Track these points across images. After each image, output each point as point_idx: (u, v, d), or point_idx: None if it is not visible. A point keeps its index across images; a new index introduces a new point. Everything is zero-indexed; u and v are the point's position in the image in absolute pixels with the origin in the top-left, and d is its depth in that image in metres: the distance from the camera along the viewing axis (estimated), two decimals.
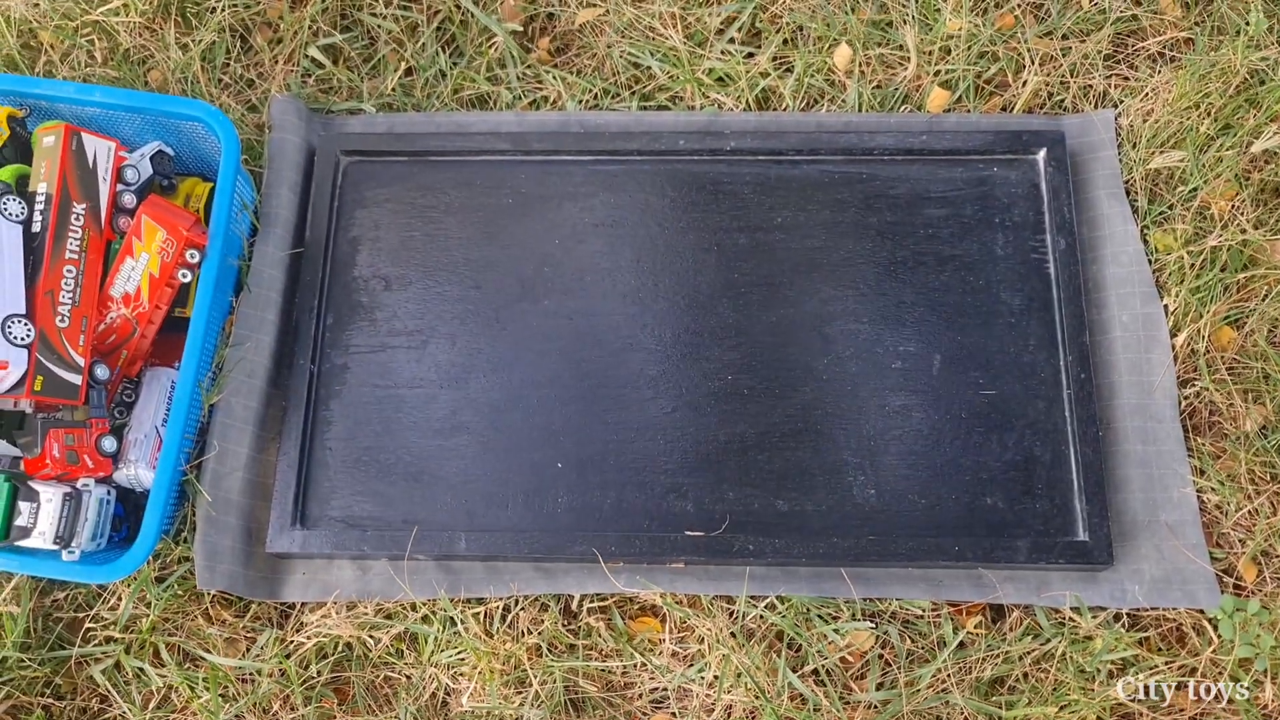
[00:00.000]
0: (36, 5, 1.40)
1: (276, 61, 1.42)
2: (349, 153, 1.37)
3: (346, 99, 1.42)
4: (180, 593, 1.19)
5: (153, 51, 1.38)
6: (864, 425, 1.23)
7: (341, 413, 1.26)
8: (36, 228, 1.12)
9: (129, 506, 1.21)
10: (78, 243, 1.13)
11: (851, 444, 1.22)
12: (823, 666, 1.14)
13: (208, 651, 1.18)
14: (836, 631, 1.15)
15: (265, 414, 1.26)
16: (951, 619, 1.15)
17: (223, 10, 1.37)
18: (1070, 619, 1.14)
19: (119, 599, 1.20)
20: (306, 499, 1.23)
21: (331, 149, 1.36)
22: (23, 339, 1.07)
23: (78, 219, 1.13)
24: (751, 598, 1.16)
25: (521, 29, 1.44)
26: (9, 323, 1.07)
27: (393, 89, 1.40)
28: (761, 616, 1.17)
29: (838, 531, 1.19)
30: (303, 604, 1.22)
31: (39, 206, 1.12)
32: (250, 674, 1.18)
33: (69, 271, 1.12)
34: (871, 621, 1.16)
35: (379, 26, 1.43)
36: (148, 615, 1.18)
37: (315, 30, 1.43)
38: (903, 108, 1.36)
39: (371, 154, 1.37)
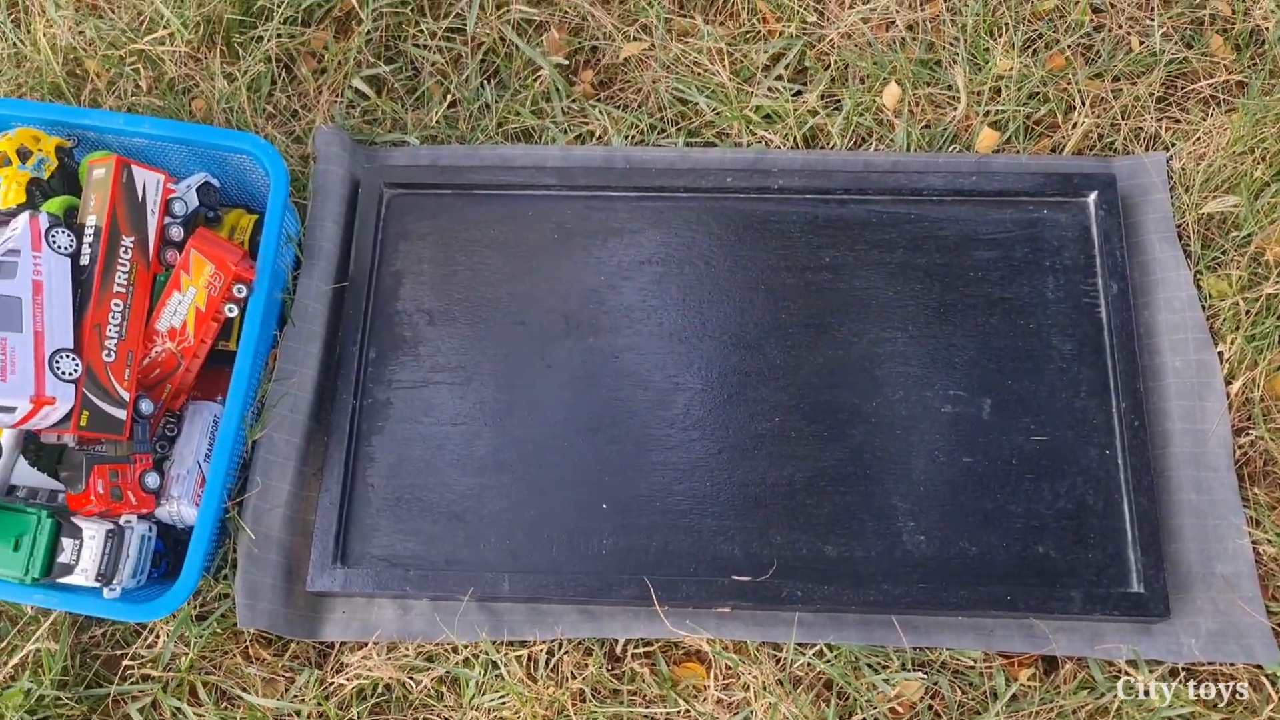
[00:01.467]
0: (82, 33, 1.39)
1: (320, 92, 1.41)
2: (393, 185, 1.36)
3: (390, 130, 1.41)
4: (219, 631, 1.18)
5: (198, 81, 1.37)
6: (913, 470, 1.21)
7: (384, 449, 1.25)
8: (85, 260, 1.11)
9: (168, 542, 1.20)
10: (126, 276, 1.12)
11: (901, 489, 1.21)
12: (872, 717, 1.12)
13: (246, 691, 1.16)
14: (887, 681, 1.13)
15: (307, 450, 1.25)
16: (1003, 670, 1.13)
17: (269, 40, 1.36)
18: (1126, 673, 1.12)
19: (157, 636, 1.18)
20: (348, 537, 1.22)
21: (375, 181, 1.35)
22: (70, 374, 1.06)
23: (126, 252, 1.12)
24: (799, 645, 1.14)
25: (566, 62, 1.43)
26: (57, 358, 1.05)
27: (437, 121, 1.39)
28: (809, 664, 1.15)
29: (887, 578, 1.17)
30: (342, 644, 1.19)
31: (88, 239, 1.11)
32: (288, 715, 1.16)
33: (116, 305, 1.11)
34: (921, 671, 1.14)
35: (423, 58, 1.43)
36: (186, 654, 1.16)
37: (359, 61, 1.42)
38: (951, 148, 1.34)
39: (415, 186, 1.36)
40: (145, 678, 1.18)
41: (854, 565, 1.18)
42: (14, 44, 1.38)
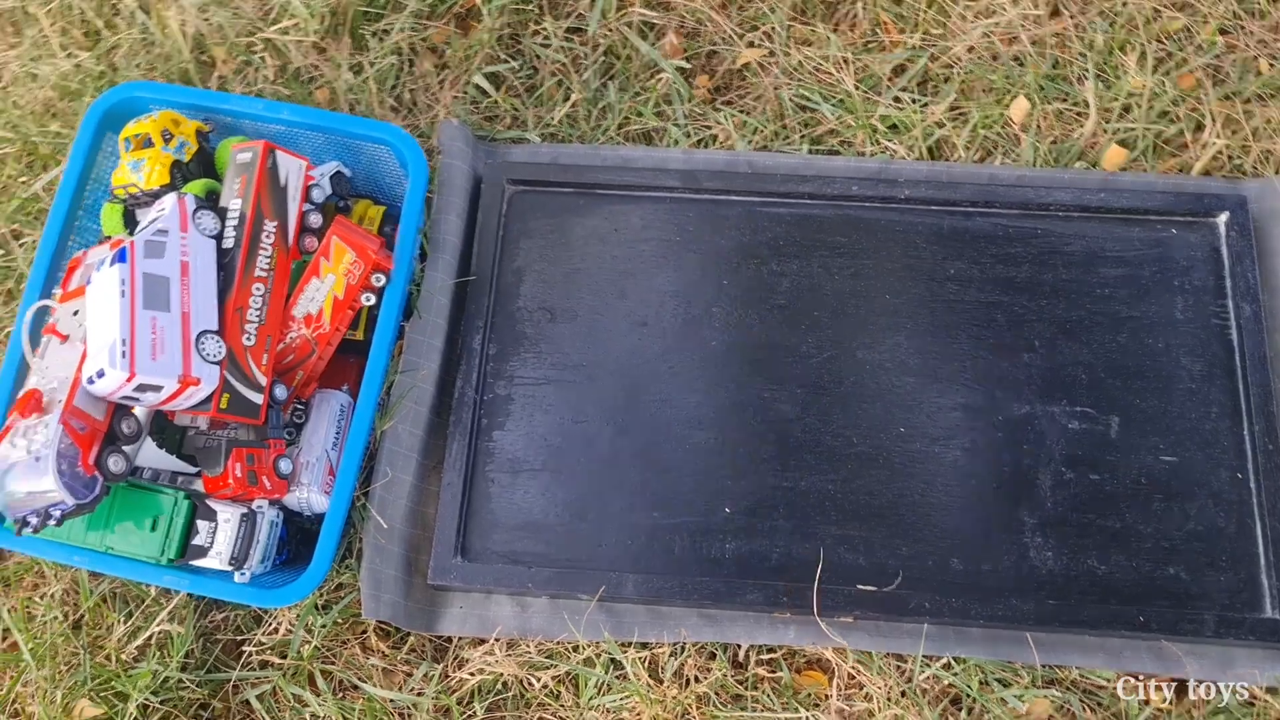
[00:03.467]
0: (208, 20, 1.39)
1: (442, 86, 1.41)
2: (515, 181, 1.36)
3: (509, 127, 1.41)
4: (339, 620, 1.17)
5: (323, 71, 1.37)
6: (1039, 485, 1.20)
7: (504, 445, 1.24)
8: (228, 243, 1.11)
9: (291, 529, 1.19)
10: (267, 260, 1.12)
11: (1027, 504, 1.20)
12: None
13: (365, 681, 1.16)
14: (1019, 698, 1.11)
15: (428, 443, 1.25)
16: (1134, 691, 1.12)
17: (396, 33, 1.37)
18: (1263, 700, 1.10)
19: (279, 623, 1.17)
20: (468, 531, 1.21)
21: (498, 177, 1.35)
22: (214, 356, 1.06)
23: (269, 236, 1.12)
24: (925, 657, 1.13)
25: (687, 65, 1.43)
26: (202, 339, 1.05)
27: (559, 120, 1.39)
28: (935, 676, 1.13)
29: (1015, 594, 1.16)
30: (459, 638, 1.19)
31: (231, 222, 1.11)
32: (407, 707, 1.15)
33: (257, 289, 1.11)
34: (1050, 689, 1.12)
35: (544, 56, 1.42)
36: (307, 642, 1.15)
37: (480, 57, 1.42)
38: (1077, 164, 1.34)
39: (538, 184, 1.36)
40: (264, 664, 1.17)
41: (980, 579, 1.17)
42: (144, 29, 1.38)
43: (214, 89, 1.37)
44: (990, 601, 1.15)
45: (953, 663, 1.14)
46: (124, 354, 0.99)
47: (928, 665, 1.14)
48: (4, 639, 1.21)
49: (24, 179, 1.37)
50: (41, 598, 1.21)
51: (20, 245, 1.35)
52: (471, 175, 1.35)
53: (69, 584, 1.20)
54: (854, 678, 1.15)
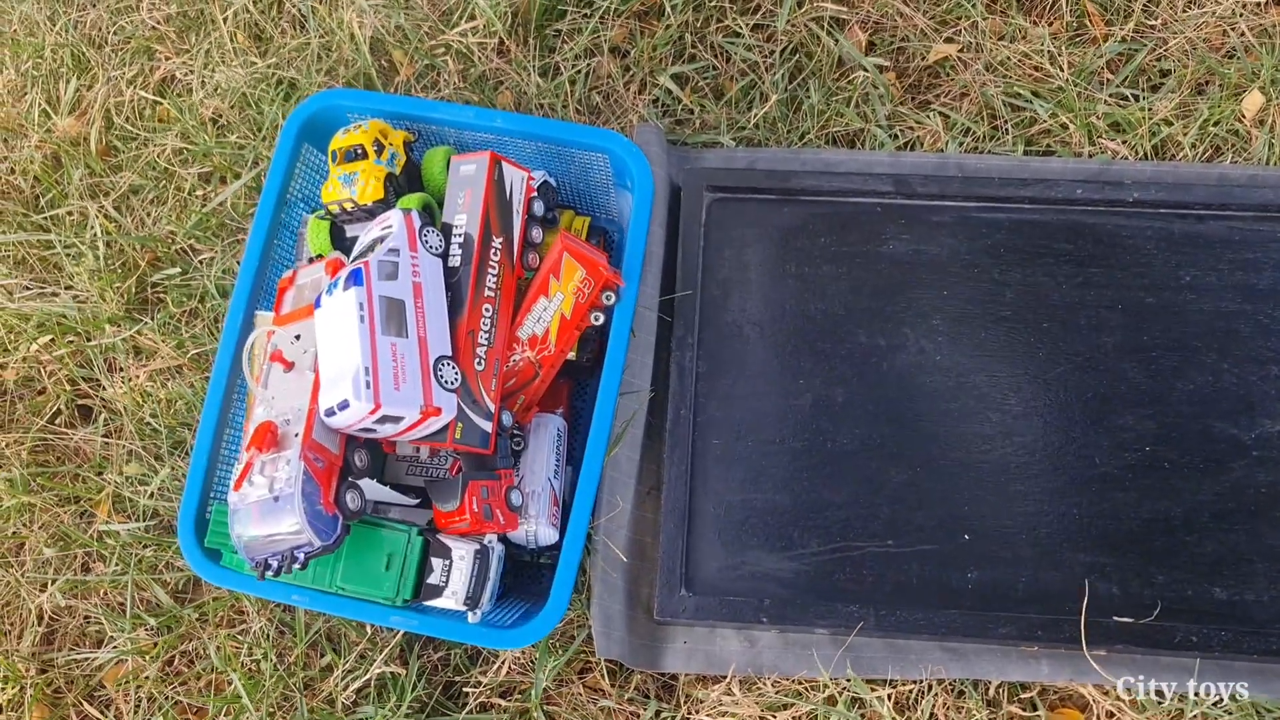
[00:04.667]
0: (389, 19, 1.33)
1: (628, 88, 1.34)
2: (714, 188, 1.29)
3: (698, 130, 1.34)
4: (567, 658, 1.11)
5: (510, 74, 1.30)
6: None
7: (722, 468, 1.18)
8: (454, 262, 1.04)
9: (506, 565, 1.13)
10: (495, 279, 1.05)
11: None
12: None
13: None
14: None
15: (643, 467, 1.18)
16: None
17: (586, 34, 1.29)
18: None
19: (500, 661, 1.11)
20: (690, 563, 1.15)
21: (697, 184, 1.28)
22: (452, 383, 0.99)
23: (495, 254, 1.05)
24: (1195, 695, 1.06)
25: (885, 63, 1.35)
26: (440, 365, 0.99)
27: (755, 123, 1.31)
28: (1205, 715, 1.06)
29: None
30: (685, 675, 1.12)
31: (456, 239, 1.05)
32: None
33: (487, 310, 1.04)
34: None
35: (733, 54, 1.35)
36: (540, 678, 1.09)
37: (661, 58, 1.34)
38: None
39: (738, 190, 1.29)
40: (486, 706, 1.11)
41: (1247, 609, 1.10)
42: (321, 31, 1.32)
43: (398, 93, 1.30)
44: (1261, 634, 1.08)
45: (1225, 699, 1.06)
46: (368, 384, 0.93)
47: (1199, 703, 1.06)
48: (204, 678, 1.15)
49: (200, 192, 1.31)
50: (243, 634, 1.15)
51: (200, 261, 1.29)
52: (668, 182, 1.28)
53: (274, 622, 1.14)
54: (1114, 716, 1.08)
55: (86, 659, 1.18)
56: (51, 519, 1.22)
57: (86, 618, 1.20)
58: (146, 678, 1.16)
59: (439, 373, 0.99)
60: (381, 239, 1.01)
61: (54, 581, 1.20)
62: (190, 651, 1.17)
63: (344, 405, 0.93)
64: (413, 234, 1.02)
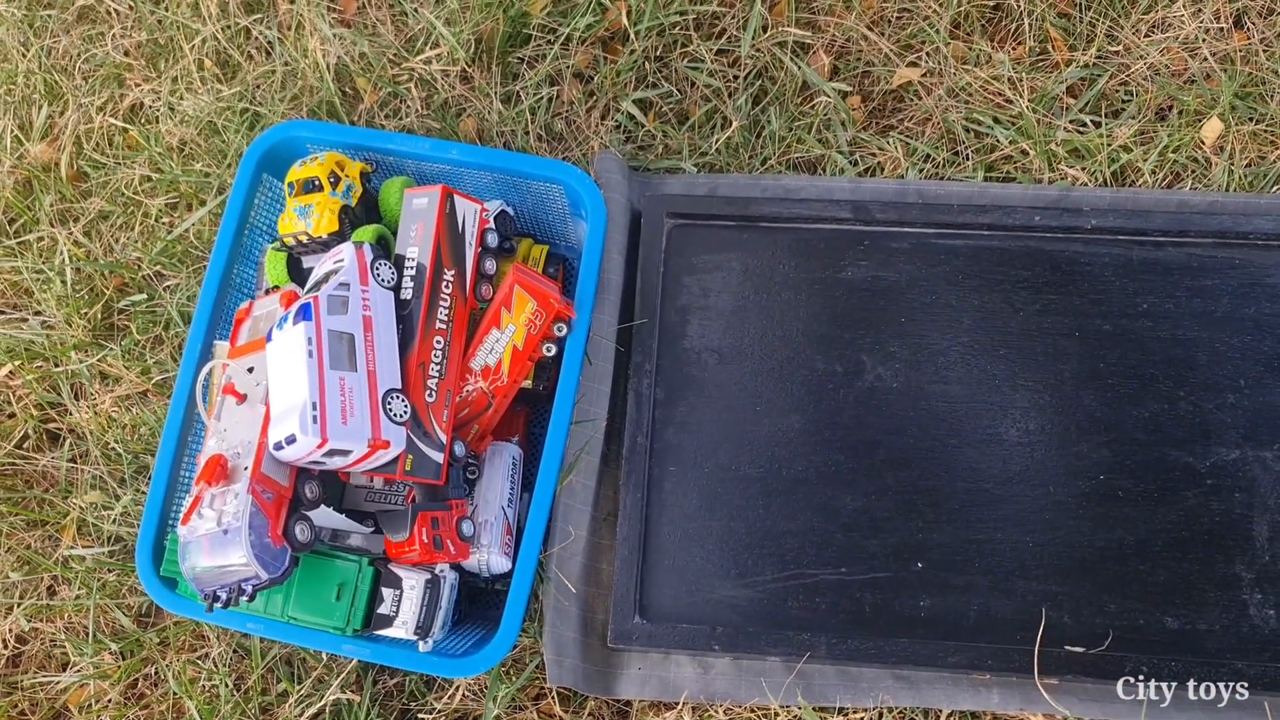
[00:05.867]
0: (354, 47, 1.34)
1: (590, 114, 1.35)
2: (675, 215, 1.30)
3: (661, 156, 1.34)
4: (519, 685, 1.11)
5: (473, 102, 1.31)
6: (1256, 536, 1.13)
7: (678, 495, 1.18)
8: (406, 294, 1.05)
9: (461, 591, 1.14)
10: (447, 311, 1.06)
11: (1244, 557, 1.13)
12: None
13: None
14: None
15: (599, 494, 1.19)
16: None
17: (549, 61, 1.30)
18: None
19: (457, 690, 1.12)
20: (645, 589, 1.16)
21: (658, 210, 1.29)
22: (401, 416, 1.00)
23: (448, 286, 1.06)
24: None
25: (849, 89, 1.36)
26: (389, 398, 1.00)
27: (717, 149, 1.32)
28: None
29: (1236, 655, 1.09)
30: (639, 701, 1.13)
31: (409, 272, 1.06)
32: None
33: (438, 343, 1.05)
34: None
35: (696, 79, 1.36)
36: (490, 708, 1.10)
37: (625, 84, 1.35)
38: (1275, 188, 1.26)
39: (699, 217, 1.30)
40: None
41: (1198, 639, 1.10)
42: (286, 61, 1.33)
43: (360, 123, 1.31)
44: (1211, 664, 1.08)
45: None
46: (314, 418, 0.94)
47: None
48: (165, 701, 1.16)
49: (166, 220, 1.32)
50: (203, 659, 1.16)
51: (165, 288, 1.30)
52: (628, 209, 1.29)
53: (233, 646, 1.15)
54: None
55: (50, 682, 1.19)
56: (17, 544, 1.24)
57: (52, 641, 1.21)
58: (109, 701, 1.17)
59: (388, 406, 1.00)
60: (334, 272, 1.02)
61: (19, 605, 1.21)
62: (153, 675, 1.18)
63: (291, 440, 0.94)
64: (364, 267, 1.03)
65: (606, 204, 1.25)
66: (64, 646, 1.20)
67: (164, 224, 1.32)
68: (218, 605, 0.95)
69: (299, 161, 1.13)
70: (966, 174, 1.30)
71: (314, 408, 0.94)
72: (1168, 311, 1.22)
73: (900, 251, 1.27)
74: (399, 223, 1.09)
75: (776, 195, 1.31)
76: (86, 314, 1.30)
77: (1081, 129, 1.30)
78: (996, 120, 1.32)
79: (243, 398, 1.02)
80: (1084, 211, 1.25)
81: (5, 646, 1.21)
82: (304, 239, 1.10)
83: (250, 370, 1.03)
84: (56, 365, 1.29)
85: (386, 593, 1.03)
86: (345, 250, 1.04)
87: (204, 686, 1.14)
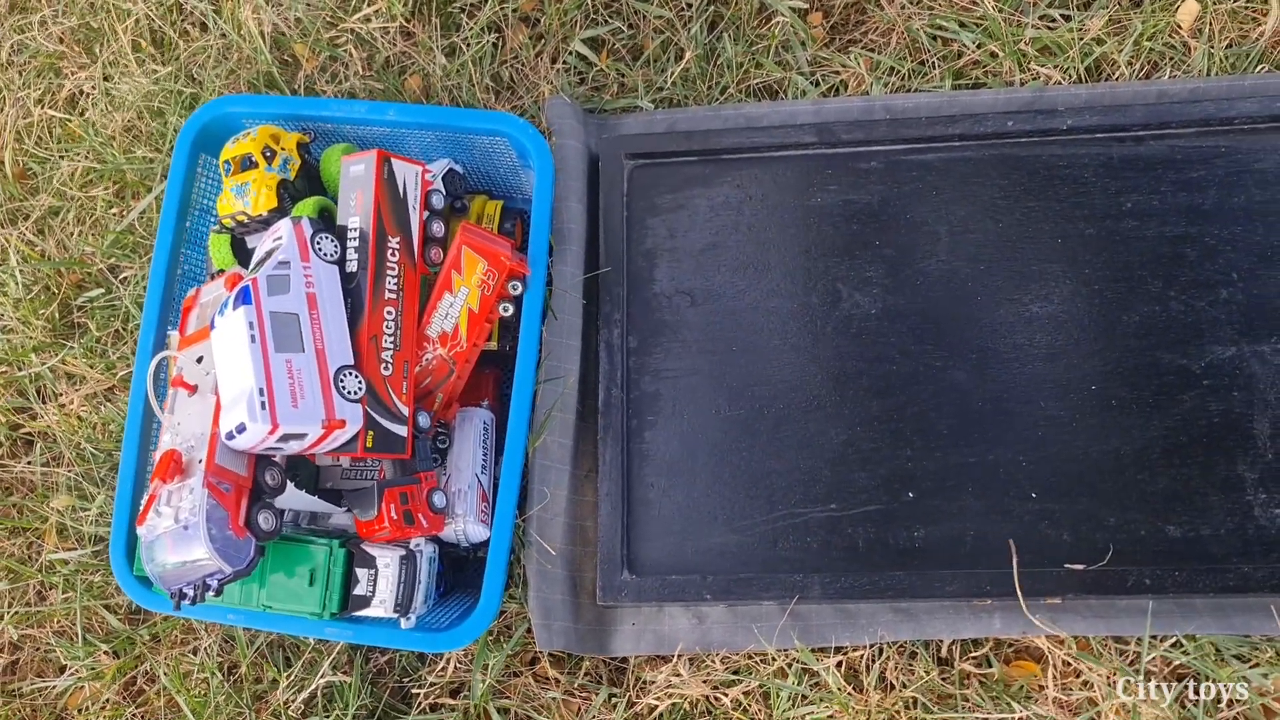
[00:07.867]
0: (289, 13, 1.29)
1: (540, 58, 1.30)
2: (634, 155, 1.25)
3: (618, 96, 1.29)
4: (510, 652, 1.10)
5: (414, 58, 1.26)
6: (1258, 435, 1.09)
7: (659, 445, 1.15)
8: (351, 266, 1.02)
9: (446, 561, 1.12)
10: (395, 281, 1.02)
11: (1246, 457, 1.08)
12: (1243, 714, 1.01)
13: (543, 714, 1.08)
14: (1264, 675, 1.01)
15: (577, 451, 1.16)
16: None
17: (490, 6, 1.25)
18: None
19: (448, 663, 1.10)
20: (632, 543, 1.13)
21: (615, 152, 1.24)
22: (355, 393, 0.97)
23: (394, 254, 1.02)
24: (1151, 638, 1.03)
25: (804, 5, 1.30)
26: (341, 376, 0.97)
27: (672, 82, 1.27)
28: (1164, 658, 1.03)
29: (1243, 558, 1.05)
30: (637, 658, 1.11)
31: (352, 243, 1.02)
32: None
33: (389, 313, 1.02)
34: None
35: (645, 11, 1.30)
36: (478, 680, 1.08)
37: (574, 23, 1.30)
38: (1259, 68, 1.19)
39: (659, 155, 1.25)
40: (436, 707, 1.10)
41: (1202, 545, 1.07)
42: (222, 34, 1.28)
43: (301, 91, 1.27)
44: (1217, 570, 1.05)
45: (1182, 640, 1.03)
46: (263, 404, 0.91)
47: (1154, 646, 1.03)
48: (164, 697, 1.15)
49: (115, 210, 1.29)
50: (194, 652, 1.15)
51: (120, 280, 1.27)
52: (586, 154, 1.25)
53: (222, 637, 1.14)
54: (1070, 665, 1.05)
55: (48, 687, 1.19)
56: (0, 553, 1.23)
57: (47, 645, 1.20)
58: (107, 701, 1.16)
59: (340, 384, 0.97)
60: (273, 251, 0.99)
61: (8, 613, 1.20)
62: (149, 671, 1.17)
63: (241, 428, 0.91)
64: (303, 243, 1.00)
65: (559, 151, 1.21)
66: (57, 651, 1.19)
67: (113, 215, 1.28)
68: (185, 602, 0.93)
69: (231, 139, 1.09)
70: (934, 84, 1.24)
71: (261, 393, 0.91)
72: (1153, 209, 1.17)
73: (870, 172, 1.22)
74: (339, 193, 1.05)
75: (738, 125, 1.26)
76: (44, 314, 1.27)
77: (1050, 25, 1.24)
78: (962, 24, 1.26)
79: (194, 389, 0.99)
80: (1059, 112, 1.19)
81: (2, 653, 1.21)
82: (244, 219, 1.07)
83: (199, 360, 1.01)
84: (20, 369, 1.27)
85: (361, 573, 1.01)
86: (283, 227, 1.00)
87: (197, 679, 1.13)
